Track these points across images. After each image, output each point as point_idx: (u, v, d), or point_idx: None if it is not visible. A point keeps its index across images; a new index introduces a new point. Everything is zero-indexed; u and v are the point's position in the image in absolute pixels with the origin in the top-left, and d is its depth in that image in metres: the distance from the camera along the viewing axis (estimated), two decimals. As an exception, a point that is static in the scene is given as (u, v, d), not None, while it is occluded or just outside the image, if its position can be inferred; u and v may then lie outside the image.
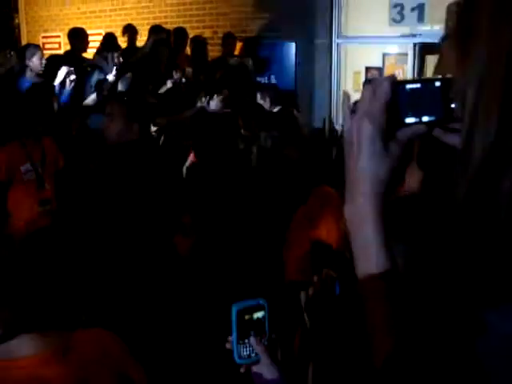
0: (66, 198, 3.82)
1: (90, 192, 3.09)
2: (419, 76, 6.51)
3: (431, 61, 6.39)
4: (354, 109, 0.87)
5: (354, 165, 0.87)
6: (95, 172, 3.40)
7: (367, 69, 7.07)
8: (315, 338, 1.46)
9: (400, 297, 0.85)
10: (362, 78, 7.00)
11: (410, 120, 0.85)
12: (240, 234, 3.10)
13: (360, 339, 0.92)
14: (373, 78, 0.89)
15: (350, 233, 0.89)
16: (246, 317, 1.36)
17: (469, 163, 0.74)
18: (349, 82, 7.19)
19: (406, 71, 6.80)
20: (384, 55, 7.07)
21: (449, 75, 0.84)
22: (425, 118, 0.85)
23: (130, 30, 7.51)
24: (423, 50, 6.47)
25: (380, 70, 7.07)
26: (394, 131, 0.85)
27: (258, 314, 1.37)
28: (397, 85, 0.85)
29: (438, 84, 0.85)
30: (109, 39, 7.16)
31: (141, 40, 7.37)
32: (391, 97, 0.84)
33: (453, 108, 0.84)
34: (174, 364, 2.63)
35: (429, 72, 6.51)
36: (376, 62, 7.11)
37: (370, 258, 0.86)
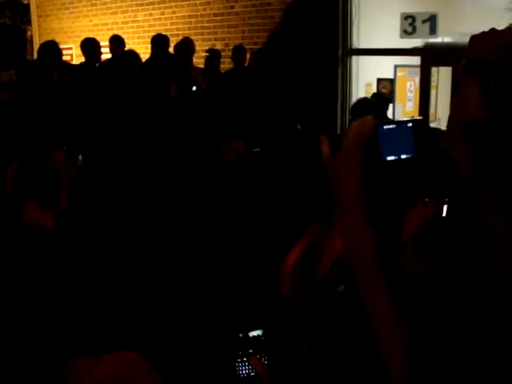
0: (80, 209, 3.83)
1: (105, 195, 3.10)
2: (427, 87, 6.50)
3: (443, 73, 6.37)
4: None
5: (346, 195, 0.92)
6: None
7: (379, 80, 7.06)
8: (324, 357, 1.43)
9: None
10: (374, 90, 6.99)
11: (390, 158, 0.92)
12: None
13: (368, 355, 0.91)
14: (376, 95, 0.98)
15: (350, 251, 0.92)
16: (243, 334, 1.33)
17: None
18: (361, 93, 7.18)
19: (417, 83, 6.79)
20: (396, 67, 7.06)
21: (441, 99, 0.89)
22: (403, 156, 0.92)
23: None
24: (435, 62, 6.46)
25: (391, 81, 7.06)
26: (376, 168, 0.91)
27: (255, 332, 1.34)
28: (377, 126, 0.92)
29: (409, 125, 0.94)
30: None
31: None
32: (372, 137, 0.91)
33: (427, 145, 0.92)
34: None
35: (441, 84, 6.50)
36: (388, 74, 7.11)
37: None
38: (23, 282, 1.31)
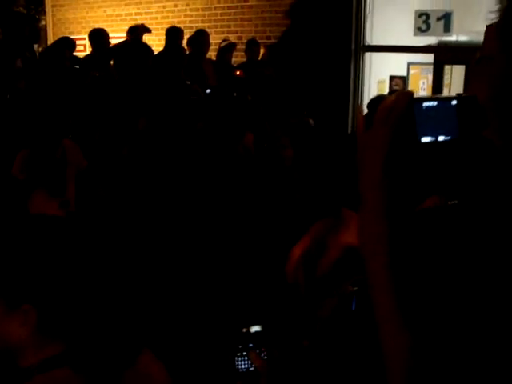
0: (87, 200, 3.83)
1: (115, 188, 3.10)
2: (440, 88, 6.45)
3: (457, 71, 6.33)
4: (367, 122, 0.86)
5: (366, 178, 0.86)
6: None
7: (391, 78, 7.02)
8: (325, 352, 1.43)
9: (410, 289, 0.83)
10: (387, 87, 6.95)
11: (426, 139, 0.82)
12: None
13: (373, 355, 0.90)
14: (392, 92, 0.88)
15: (362, 241, 0.88)
16: (244, 329, 1.33)
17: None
18: (373, 90, 7.15)
19: (430, 81, 6.75)
20: (409, 64, 7.02)
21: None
22: (441, 138, 0.82)
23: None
24: (448, 60, 6.41)
25: (404, 79, 7.02)
26: (410, 149, 0.83)
27: (256, 328, 1.33)
28: (414, 102, 0.82)
29: (454, 102, 0.83)
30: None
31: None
32: (408, 114, 0.82)
33: (469, 127, 0.82)
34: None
35: (454, 83, 6.45)
36: (401, 71, 7.07)
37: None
38: (29, 270, 1.31)
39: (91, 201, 3.75)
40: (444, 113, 0.82)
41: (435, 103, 0.83)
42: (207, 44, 6.87)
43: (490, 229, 0.79)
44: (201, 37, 6.86)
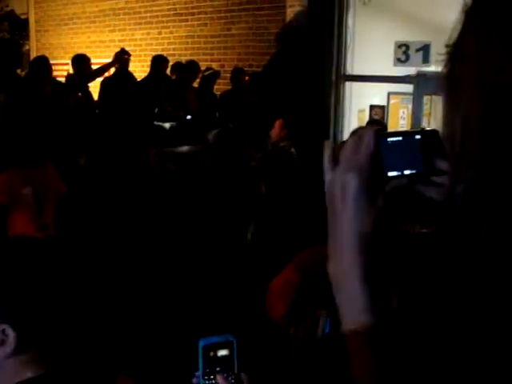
0: (66, 225, 3.82)
1: (91, 218, 3.10)
2: (420, 117, 6.55)
3: (436, 101, 6.43)
4: (334, 160, 0.86)
5: (337, 219, 0.85)
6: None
7: (371, 107, 7.11)
8: (301, 375, 1.43)
9: (388, 352, 0.83)
10: (367, 117, 7.03)
11: (392, 173, 0.84)
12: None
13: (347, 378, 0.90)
14: (356, 130, 0.90)
15: (334, 287, 0.87)
16: (211, 353, 1.32)
17: (452, 210, 0.75)
18: (353, 119, 7.23)
19: (410, 111, 6.84)
20: (389, 94, 7.12)
21: (433, 127, 0.85)
22: (406, 172, 0.84)
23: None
24: (427, 90, 6.52)
25: (384, 108, 7.11)
26: (377, 184, 0.84)
27: (224, 352, 1.33)
28: (379, 137, 0.84)
29: (418, 137, 0.85)
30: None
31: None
32: (374, 149, 0.83)
33: (434, 161, 0.84)
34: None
35: (434, 113, 6.55)
36: (381, 101, 7.16)
37: (355, 314, 0.84)
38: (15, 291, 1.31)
39: (71, 224, 3.74)
40: (409, 147, 0.85)
41: (400, 138, 0.85)
42: (196, 74, 6.98)
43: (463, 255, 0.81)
44: (192, 67, 6.98)
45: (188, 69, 7.00)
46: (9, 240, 3.62)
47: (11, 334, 1.28)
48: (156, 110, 6.15)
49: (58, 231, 3.90)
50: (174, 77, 7.10)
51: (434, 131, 0.87)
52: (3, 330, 1.28)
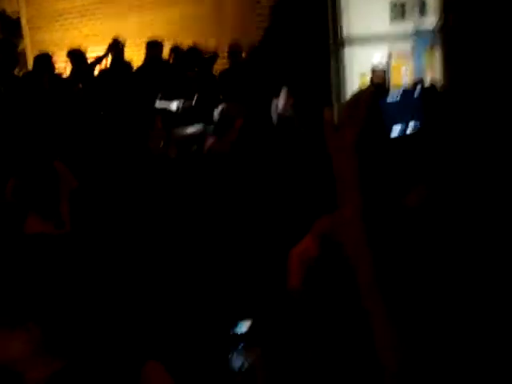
0: (81, 219, 3.83)
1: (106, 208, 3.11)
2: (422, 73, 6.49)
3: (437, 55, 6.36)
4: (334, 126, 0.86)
5: (345, 184, 0.87)
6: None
7: (373, 70, 7.03)
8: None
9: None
10: (368, 79, 6.97)
11: (394, 130, 0.83)
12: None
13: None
14: (354, 93, 0.89)
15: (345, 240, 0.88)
16: (233, 330, 1.34)
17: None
18: (355, 84, 7.17)
19: (412, 68, 6.78)
20: (390, 54, 7.05)
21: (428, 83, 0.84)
22: (409, 129, 0.83)
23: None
24: (427, 45, 6.45)
25: (385, 70, 7.04)
26: (380, 142, 0.84)
27: (245, 328, 1.34)
28: (378, 98, 0.83)
29: (416, 94, 0.85)
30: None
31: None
32: (373, 109, 0.83)
33: (433, 114, 0.83)
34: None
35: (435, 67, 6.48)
36: (382, 62, 7.08)
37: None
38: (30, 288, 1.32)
39: (85, 219, 3.75)
40: (408, 104, 0.84)
41: (398, 98, 0.85)
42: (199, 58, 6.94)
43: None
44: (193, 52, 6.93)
45: (189, 54, 6.94)
46: (26, 238, 3.65)
47: (37, 330, 1.29)
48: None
49: (73, 227, 3.91)
50: (171, 61, 7.07)
51: (431, 86, 0.86)
52: (29, 327, 1.29)
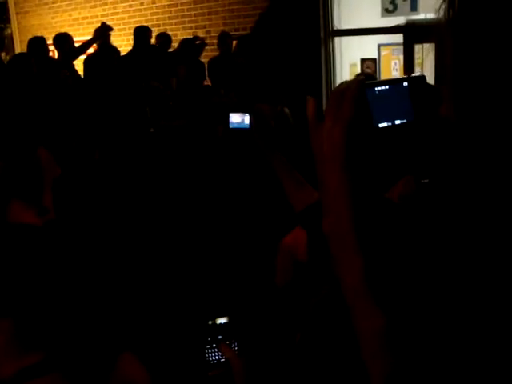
0: (65, 206, 3.79)
1: (90, 195, 3.08)
2: (412, 67, 6.47)
3: (427, 49, 6.34)
4: (318, 115, 0.83)
5: (327, 176, 0.82)
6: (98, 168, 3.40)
7: (363, 60, 7.03)
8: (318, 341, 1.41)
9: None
10: (359, 70, 6.95)
11: (382, 124, 0.81)
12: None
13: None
14: (341, 83, 0.85)
15: (331, 245, 0.84)
16: (210, 322, 1.33)
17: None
18: (345, 74, 7.15)
19: (401, 61, 6.76)
20: (379, 46, 7.02)
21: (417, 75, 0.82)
22: (397, 122, 0.81)
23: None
24: (418, 39, 6.42)
25: (375, 61, 7.03)
26: (367, 136, 0.81)
27: (223, 319, 1.34)
28: (366, 88, 0.80)
29: (405, 84, 0.82)
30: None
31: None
32: (361, 100, 0.79)
33: (423, 107, 0.81)
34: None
35: (426, 61, 6.47)
36: (372, 54, 7.07)
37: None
38: (16, 279, 1.29)
39: (68, 207, 3.71)
40: (397, 96, 0.82)
41: (387, 87, 0.82)
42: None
43: (458, 205, 0.78)
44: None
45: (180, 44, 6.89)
46: (9, 226, 3.60)
47: (10, 321, 1.26)
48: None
49: (56, 214, 3.88)
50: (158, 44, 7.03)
51: (421, 77, 0.84)
52: (1, 319, 1.26)
